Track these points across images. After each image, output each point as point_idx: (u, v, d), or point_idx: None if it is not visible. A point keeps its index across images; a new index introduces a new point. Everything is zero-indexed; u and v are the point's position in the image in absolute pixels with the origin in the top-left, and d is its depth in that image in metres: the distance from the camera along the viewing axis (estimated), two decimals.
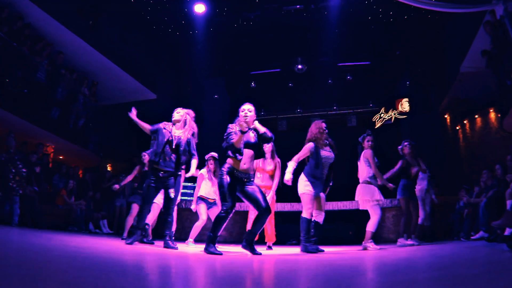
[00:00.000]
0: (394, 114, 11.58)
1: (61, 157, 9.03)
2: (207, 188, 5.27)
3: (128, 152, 10.96)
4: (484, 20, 6.73)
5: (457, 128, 10.07)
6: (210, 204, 5.24)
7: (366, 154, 4.75)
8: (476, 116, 9.30)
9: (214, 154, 5.39)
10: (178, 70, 12.13)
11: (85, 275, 1.63)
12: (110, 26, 9.63)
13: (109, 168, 10.28)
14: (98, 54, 8.73)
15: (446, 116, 10.69)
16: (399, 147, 5.74)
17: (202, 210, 5.18)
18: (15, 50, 7.03)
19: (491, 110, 8.75)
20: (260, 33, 10.94)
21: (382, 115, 11.69)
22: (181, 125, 4.31)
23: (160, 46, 11.42)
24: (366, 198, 4.62)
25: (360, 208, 4.84)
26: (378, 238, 7.82)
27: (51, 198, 7.36)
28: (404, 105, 11.53)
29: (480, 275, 1.76)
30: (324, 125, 4.32)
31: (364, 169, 4.76)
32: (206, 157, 5.41)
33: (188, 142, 4.29)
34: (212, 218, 5.13)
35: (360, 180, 4.78)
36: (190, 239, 5.16)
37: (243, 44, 11.39)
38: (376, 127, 11.64)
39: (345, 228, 8.56)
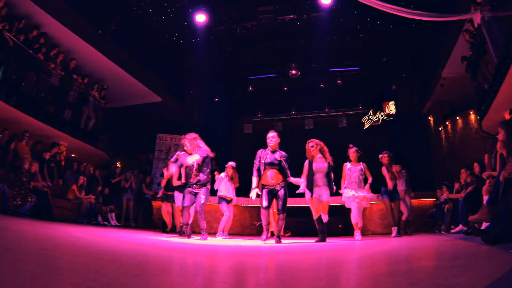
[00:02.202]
0: (382, 116, 11.55)
1: (73, 155, 9.00)
2: (225, 189, 5.78)
3: (135, 150, 10.94)
4: (463, 28, 6.68)
5: (440, 128, 10.02)
6: (228, 202, 5.83)
7: (363, 166, 5.10)
8: (457, 118, 9.26)
9: (233, 163, 5.97)
10: (181, 75, 12.06)
11: (77, 261, 1.59)
12: (119, 35, 9.59)
13: (118, 165, 10.24)
14: (108, 60, 8.71)
15: (429, 118, 10.64)
16: (380, 155, 5.66)
17: (225, 207, 5.74)
18: (31, 57, 7.01)
19: (471, 112, 8.70)
20: (257, 41, 10.92)
21: (370, 116, 11.66)
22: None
23: (164, 53, 11.37)
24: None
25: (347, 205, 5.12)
26: (367, 230, 7.78)
27: (63, 193, 7.33)
28: (391, 107, 11.51)
29: (454, 267, 1.72)
30: (309, 144, 4.63)
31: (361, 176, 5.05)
32: (226, 165, 5.95)
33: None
34: (230, 214, 5.78)
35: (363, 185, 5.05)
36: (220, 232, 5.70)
37: (241, 51, 11.36)
38: (365, 127, 11.63)
39: (335, 222, 8.49)
